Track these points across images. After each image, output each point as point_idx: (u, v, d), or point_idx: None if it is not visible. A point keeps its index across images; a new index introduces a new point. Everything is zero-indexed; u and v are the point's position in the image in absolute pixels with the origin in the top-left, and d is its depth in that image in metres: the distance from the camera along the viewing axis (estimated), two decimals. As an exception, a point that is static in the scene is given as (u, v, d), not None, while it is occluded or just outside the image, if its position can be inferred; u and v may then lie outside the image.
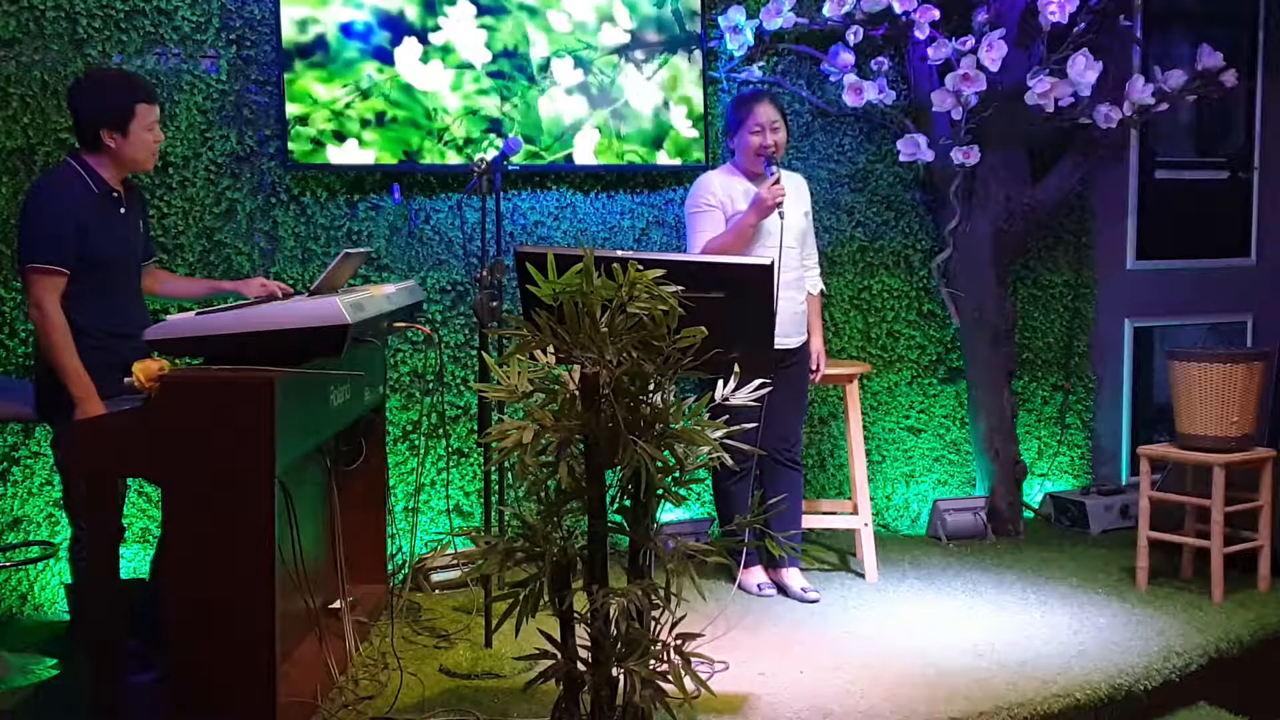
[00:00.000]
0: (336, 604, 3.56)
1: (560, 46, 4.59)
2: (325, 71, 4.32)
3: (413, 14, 4.43)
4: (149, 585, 3.49)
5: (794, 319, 4.09)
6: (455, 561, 4.23)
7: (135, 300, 3.44)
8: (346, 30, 4.36)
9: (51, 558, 3.97)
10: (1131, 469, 5.41)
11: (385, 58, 4.41)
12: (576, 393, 2.51)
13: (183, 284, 3.75)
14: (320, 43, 4.32)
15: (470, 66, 4.50)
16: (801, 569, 4.28)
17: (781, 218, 3.94)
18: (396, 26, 4.42)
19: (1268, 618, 3.96)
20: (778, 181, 3.95)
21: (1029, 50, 4.76)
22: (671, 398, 2.58)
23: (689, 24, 4.73)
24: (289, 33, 4.28)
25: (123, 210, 3.41)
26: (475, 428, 4.36)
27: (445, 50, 4.48)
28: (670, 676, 2.52)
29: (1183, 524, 4.37)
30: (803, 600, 4.11)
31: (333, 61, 4.33)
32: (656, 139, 4.70)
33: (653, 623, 2.58)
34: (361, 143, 4.34)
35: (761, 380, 2.76)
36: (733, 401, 2.73)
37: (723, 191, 4.08)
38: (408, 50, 4.44)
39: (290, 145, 4.24)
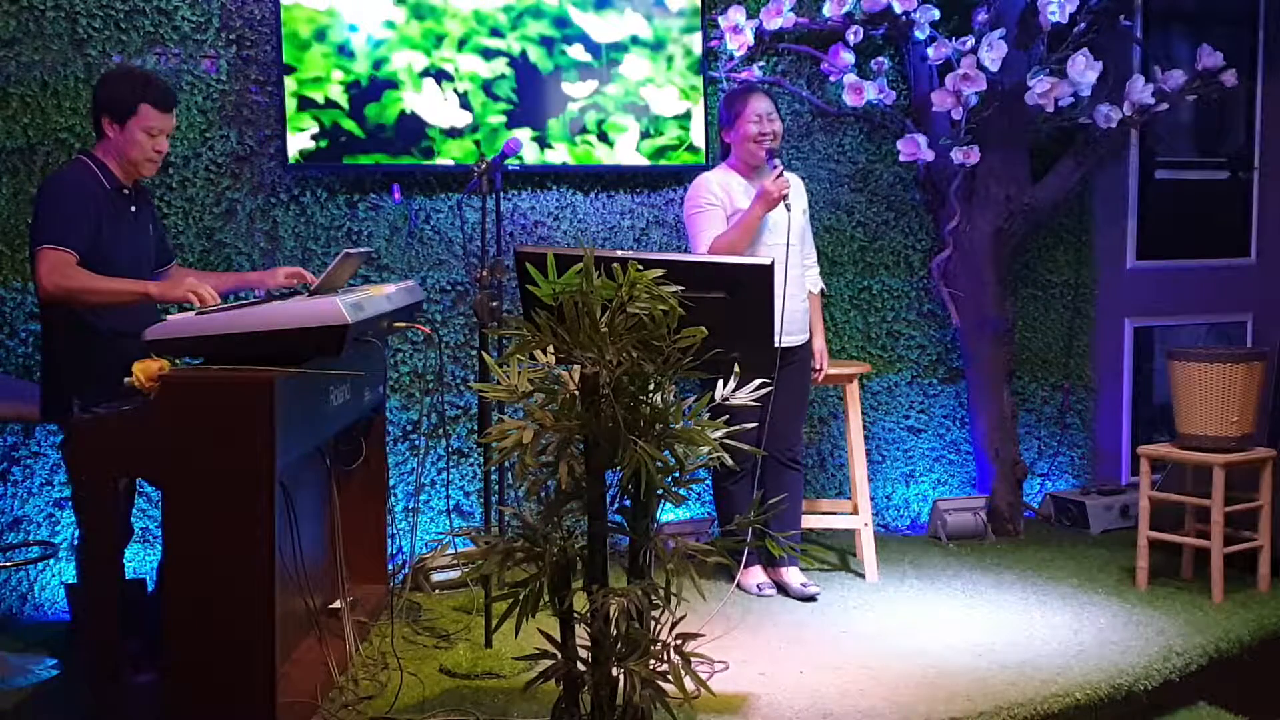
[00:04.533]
0: (336, 604, 3.56)
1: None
2: (469, 141, 4.24)
3: (535, 56, 4.34)
4: (155, 586, 3.49)
5: (796, 317, 4.09)
6: (455, 561, 4.23)
7: (152, 310, 3.42)
8: (491, 91, 4.30)
9: (52, 558, 3.97)
10: (1131, 469, 5.41)
11: (530, 121, 4.35)
12: (576, 393, 2.51)
13: (210, 279, 3.75)
14: (462, 104, 4.28)
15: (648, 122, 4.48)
16: (801, 569, 4.28)
17: (788, 209, 3.94)
18: (527, 75, 4.35)
19: (1268, 618, 3.96)
20: (782, 173, 3.95)
21: (1029, 50, 4.76)
22: (671, 398, 2.58)
23: None
24: (429, 110, 4.19)
25: (133, 209, 3.41)
26: (475, 428, 4.36)
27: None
28: (670, 676, 2.52)
29: (1183, 524, 4.37)
30: (803, 595, 4.10)
31: (474, 130, 4.27)
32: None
33: (653, 623, 2.58)
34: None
35: (762, 380, 2.76)
36: (733, 401, 2.73)
37: (721, 190, 4.08)
38: (629, 139, 4.38)
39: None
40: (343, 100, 4.26)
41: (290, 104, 4.21)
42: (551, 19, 4.46)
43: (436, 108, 4.28)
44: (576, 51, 4.48)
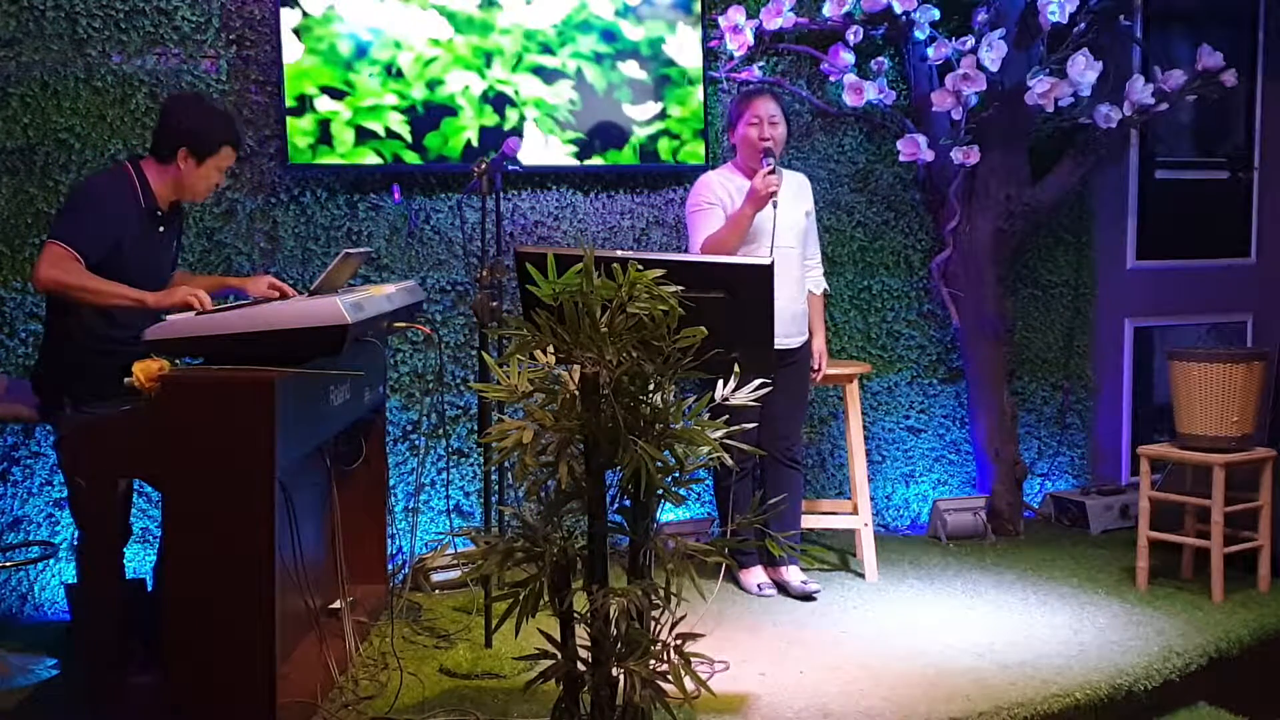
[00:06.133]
0: (336, 604, 3.56)
1: None
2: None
3: (592, 75, 4.12)
4: (153, 586, 3.49)
5: (794, 318, 4.09)
6: (455, 561, 4.23)
7: (152, 315, 3.42)
8: (555, 118, 4.12)
9: (51, 558, 3.97)
10: (1131, 469, 5.41)
11: (601, 152, 4.18)
12: (576, 393, 2.51)
13: (198, 281, 3.73)
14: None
15: None
16: (801, 568, 4.28)
17: (774, 207, 3.93)
18: (587, 98, 4.15)
19: (1268, 618, 3.96)
20: (772, 171, 3.94)
21: (1029, 50, 4.76)
22: (671, 398, 2.58)
23: None
24: (532, 156, 4.02)
25: (161, 229, 3.40)
26: (475, 428, 4.36)
27: None
28: (670, 676, 2.52)
29: (1183, 524, 4.37)
30: (802, 594, 4.10)
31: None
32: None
33: (653, 623, 2.58)
34: None
35: (761, 380, 2.76)
36: (733, 401, 2.73)
37: (722, 190, 4.08)
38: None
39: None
40: (404, 131, 4.14)
41: (347, 135, 4.13)
42: (599, 32, 4.32)
43: (540, 152, 4.14)
44: (630, 68, 4.35)
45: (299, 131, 4.16)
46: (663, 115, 4.46)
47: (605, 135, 4.37)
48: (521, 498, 3.15)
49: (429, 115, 4.23)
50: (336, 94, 4.16)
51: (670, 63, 4.49)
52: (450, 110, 4.24)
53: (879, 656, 3.57)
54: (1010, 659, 3.55)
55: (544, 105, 4.26)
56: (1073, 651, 3.61)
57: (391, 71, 4.17)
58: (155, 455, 2.74)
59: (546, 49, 4.28)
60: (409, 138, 4.18)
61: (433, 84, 4.20)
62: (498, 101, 4.23)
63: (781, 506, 3.91)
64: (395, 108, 4.18)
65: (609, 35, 4.39)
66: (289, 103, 4.15)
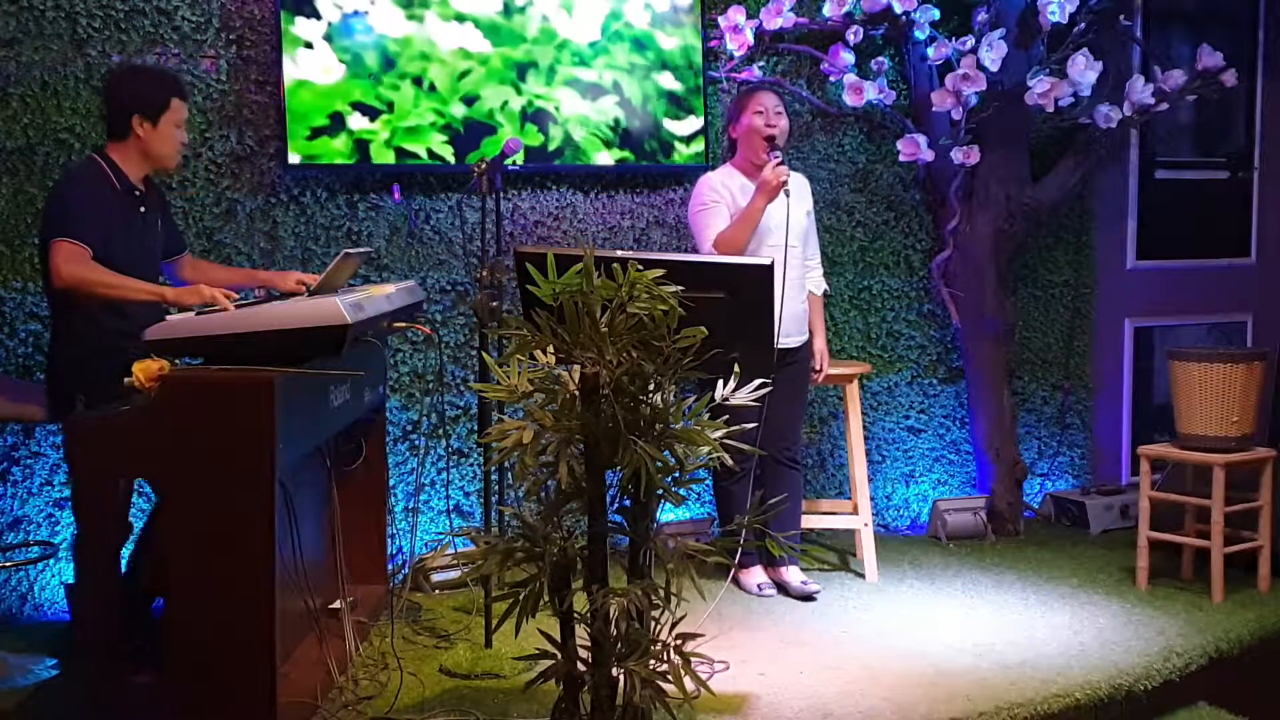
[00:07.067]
0: (336, 604, 3.56)
1: None
2: None
3: (630, 89, 3.96)
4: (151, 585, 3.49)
5: (794, 318, 4.08)
6: (455, 561, 4.23)
7: (152, 304, 3.42)
8: (599, 135, 4.02)
9: (51, 558, 3.97)
10: (1131, 469, 5.41)
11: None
12: (576, 393, 2.51)
13: (221, 273, 3.78)
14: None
15: None
16: (801, 568, 4.28)
17: (787, 195, 3.92)
18: (628, 113, 4.02)
19: (1268, 618, 3.96)
20: (781, 163, 3.94)
21: (1029, 50, 4.76)
22: (671, 398, 2.58)
23: None
24: None
25: (142, 210, 3.42)
26: (475, 428, 4.36)
27: None
28: (670, 676, 2.52)
29: (1183, 524, 4.37)
30: (802, 594, 4.10)
31: None
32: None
33: (653, 623, 2.58)
34: None
35: (762, 380, 2.76)
36: (733, 401, 2.73)
37: (724, 189, 4.07)
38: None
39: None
40: (447, 153, 4.03)
41: (388, 156, 4.09)
42: (632, 42, 4.20)
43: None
44: (665, 80, 4.26)
45: (336, 154, 4.12)
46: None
47: (650, 152, 4.30)
48: (521, 498, 3.15)
49: (469, 134, 4.13)
50: (369, 110, 4.09)
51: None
52: (490, 129, 4.16)
53: (879, 656, 3.57)
54: (1010, 659, 3.55)
55: (589, 123, 4.18)
56: (1073, 651, 3.61)
57: (423, 85, 4.12)
58: (155, 455, 2.74)
59: (581, 60, 4.21)
60: (452, 160, 4.08)
61: (469, 99, 4.11)
62: (538, 118, 4.15)
63: (781, 507, 3.90)
64: (434, 126, 4.09)
65: (642, 45, 4.32)
66: (321, 121, 4.13)
